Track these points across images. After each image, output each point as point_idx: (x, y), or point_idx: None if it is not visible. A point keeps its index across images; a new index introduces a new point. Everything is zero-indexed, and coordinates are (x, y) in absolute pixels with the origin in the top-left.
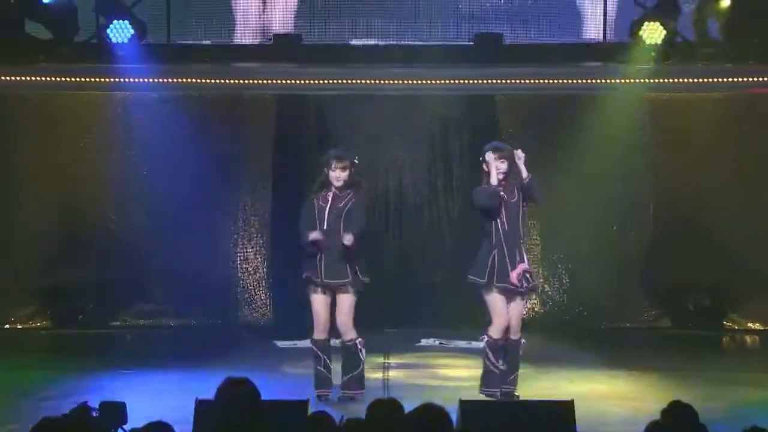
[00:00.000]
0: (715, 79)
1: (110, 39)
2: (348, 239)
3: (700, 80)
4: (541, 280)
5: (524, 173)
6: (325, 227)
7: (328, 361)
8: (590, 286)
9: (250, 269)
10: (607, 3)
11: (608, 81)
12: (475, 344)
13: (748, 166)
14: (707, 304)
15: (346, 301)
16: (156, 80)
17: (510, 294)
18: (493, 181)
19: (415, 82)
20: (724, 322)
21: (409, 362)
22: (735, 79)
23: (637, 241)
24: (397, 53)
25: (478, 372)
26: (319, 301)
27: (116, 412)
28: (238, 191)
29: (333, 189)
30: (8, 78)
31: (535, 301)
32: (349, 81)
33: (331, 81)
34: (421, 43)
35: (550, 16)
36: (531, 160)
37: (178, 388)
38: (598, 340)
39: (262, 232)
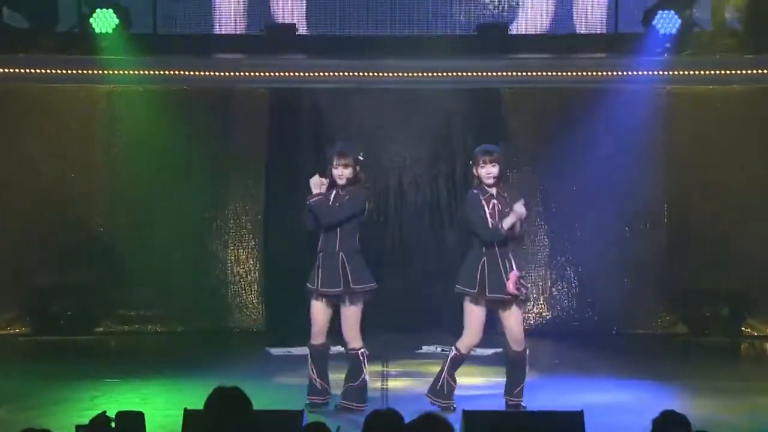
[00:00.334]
0: (734, 72)
1: (93, 29)
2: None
3: (718, 72)
4: (549, 284)
5: (509, 222)
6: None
7: (324, 367)
8: (600, 289)
9: (241, 272)
10: None
11: (620, 73)
12: (480, 351)
13: None
14: (725, 310)
15: (348, 312)
16: (142, 72)
17: (504, 305)
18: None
19: (415, 74)
20: (743, 329)
21: (409, 370)
22: (755, 71)
23: (650, 242)
24: (397, 44)
25: (483, 380)
26: (317, 307)
27: (134, 421)
28: (229, 189)
29: (336, 188)
30: None
31: (542, 306)
32: (347, 73)
33: (327, 73)
34: (422, 33)
35: (558, 5)
36: (538, 157)
37: (165, 399)
38: (608, 346)
39: (254, 233)
